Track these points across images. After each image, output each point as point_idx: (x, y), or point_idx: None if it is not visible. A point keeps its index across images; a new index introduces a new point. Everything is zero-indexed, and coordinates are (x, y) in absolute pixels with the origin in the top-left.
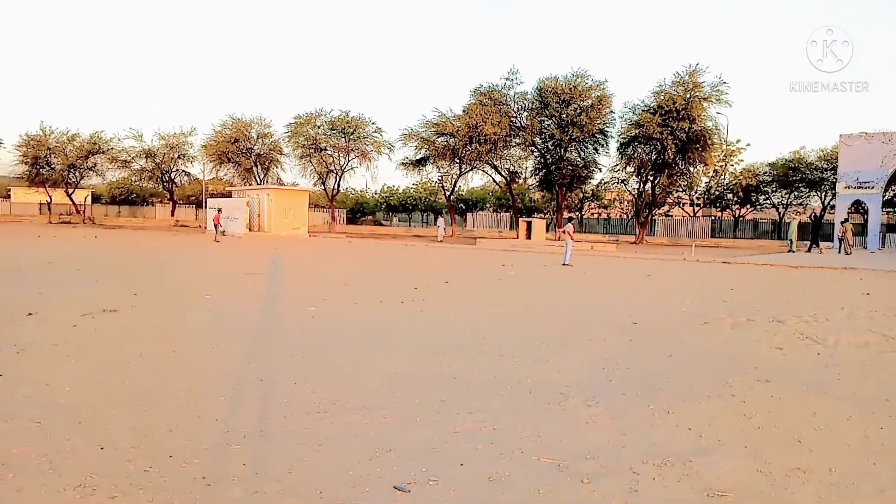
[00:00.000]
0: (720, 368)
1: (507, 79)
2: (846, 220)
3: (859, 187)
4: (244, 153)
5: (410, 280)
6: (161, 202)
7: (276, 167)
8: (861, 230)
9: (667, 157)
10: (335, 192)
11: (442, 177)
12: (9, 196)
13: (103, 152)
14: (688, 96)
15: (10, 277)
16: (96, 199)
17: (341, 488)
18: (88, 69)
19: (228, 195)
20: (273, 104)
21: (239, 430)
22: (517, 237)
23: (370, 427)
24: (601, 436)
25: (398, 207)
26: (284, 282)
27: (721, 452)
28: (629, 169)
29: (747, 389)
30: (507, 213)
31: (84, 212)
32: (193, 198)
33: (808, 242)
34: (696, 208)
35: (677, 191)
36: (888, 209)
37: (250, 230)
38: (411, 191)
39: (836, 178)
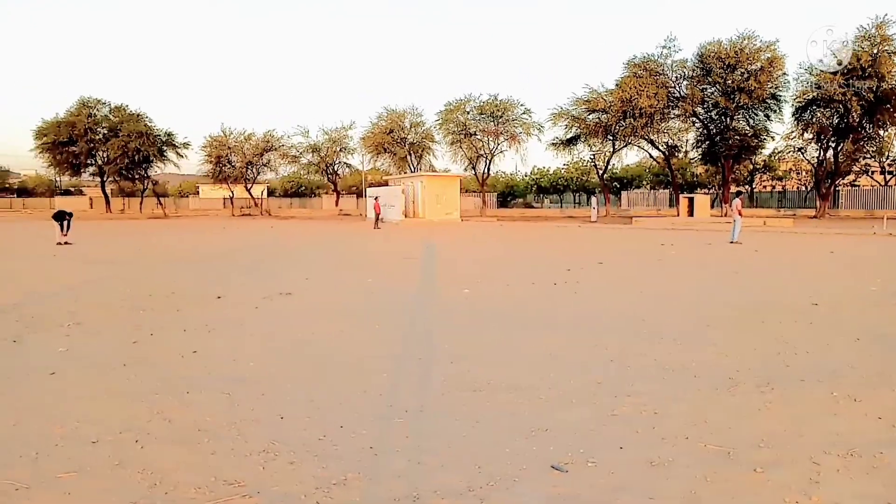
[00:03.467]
0: None
1: (663, 47)
2: None
3: None
4: (398, 143)
5: (563, 262)
6: (326, 193)
7: (429, 154)
8: None
9: (851, 120)
10: (485, 176)
11: (594, 155)
12: (198, 193)
13: (275, 149)
14: (874, 51)
15: (202, 265)
16: (271, 192)
17: (498, 464)
18: (261, 71)
19: (385, 184)
20: (425, 93)
21: (401, 405)
22: (678, 215)
23: (525, 406)
24: (776, 423)
25: (549, 189)
26: (438, 265)
27: None
28: (807, 135)
29: None
30: (666, 190)
31: (261, 205)
32: (354, 188)
33: None
34: (889, 176)
35: (864, 157)
36: None
37: (406, 217)
38: (562, 171)
39: None
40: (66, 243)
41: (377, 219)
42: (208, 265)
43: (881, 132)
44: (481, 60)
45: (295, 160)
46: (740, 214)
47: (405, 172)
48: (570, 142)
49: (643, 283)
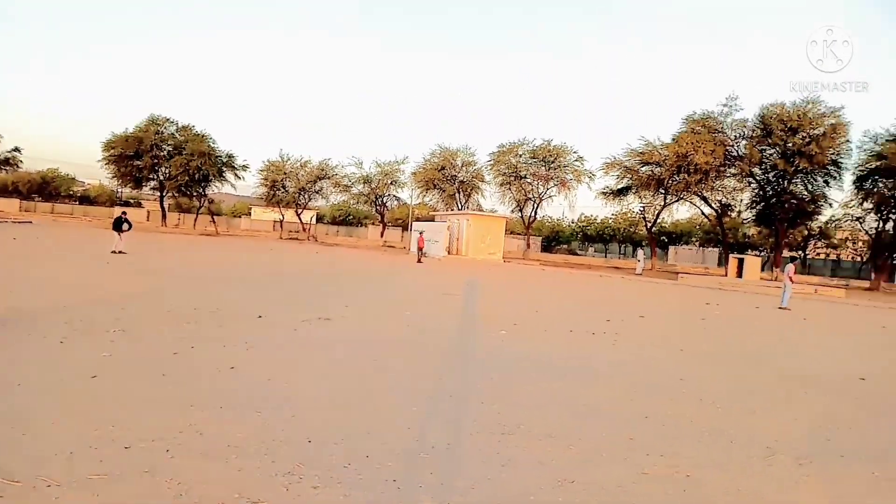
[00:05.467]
0: None
1: (724, 105)
2: None
3: None
4: (449, 180)
5: (603, 312)
6: (373, 224)
7: (477, 194)
8: None
9: None
10: (532, 219)
11: (644, 207)
12: (249, 214)
13: (329, 177)
14: None
15: (245, 285)
16: (320, 219)
17: None
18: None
19: (431, 219)
20: (479, 133)
21: (428, 441)
22: (726, 275)
23: (554, 455)
24: (812, 499)
25: (595, 237)
26: (478, 304)
27: None
28: (867, 205)
29: None
30: (716, 249)
31: (309, 230)
32: (400, 220)
33: None
34: None
35: None
36: None
37: (449, 253)
38: (610, 221)
39: None
40: (120, 252)
41: (420, 253)
42: (253, 284)
43: None
44: (537, 104)
45: (346, 189)
46: (791, 280)
47: (452, 209)
48: (621, 192)
49: (684, 342)
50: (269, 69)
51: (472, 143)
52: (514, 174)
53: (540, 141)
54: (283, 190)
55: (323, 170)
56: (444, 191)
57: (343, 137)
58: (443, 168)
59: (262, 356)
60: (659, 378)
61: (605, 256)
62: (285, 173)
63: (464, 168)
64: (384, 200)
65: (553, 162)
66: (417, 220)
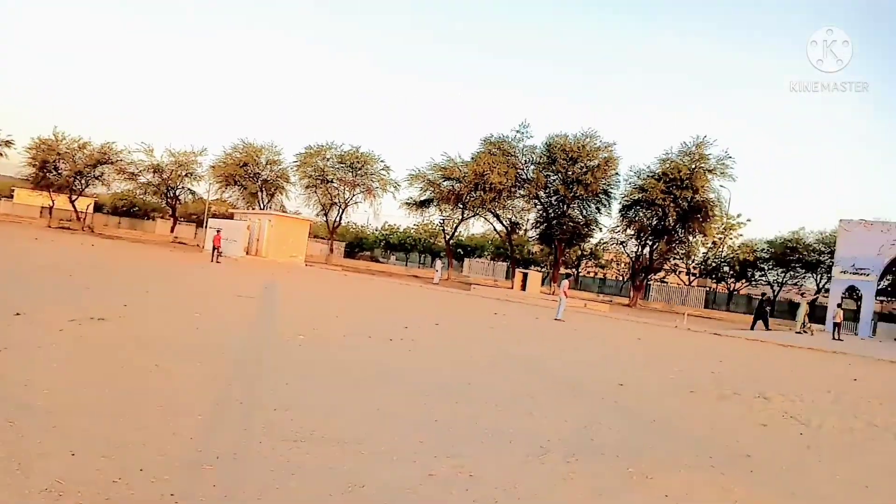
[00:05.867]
0: (702, 438)
1: (517, 131)
2: (840, 304)
3: (855, 273)
4: (251, 177)
5: (402, 319)
6: (162, 217)
7: (281, 194)
8: (853, 316)
9: (667, 223)
10: (336, 224)
11: (444, 220)
12: (11, 196)
13: (112, 163)
14: (693, 166)
15: (2, 279)
16: (98, 208)
17: None
18: (105, 80)
19: (230, 217)
20: (285, 133)
21: (213, 451)
22: (512, 287)
23: (345, 461)
24: (577, 494)
25: (397, 246)
26: (276, 308)
27: None
28: (629, 231)
29: (727, 462)
30: (505, 263)
31: (84, 219)
32: (195, 216)
33: (756, 320)
34: (692, 277)
35: (675, 258)
36: (881, 298)
37: (248, 253)
38: (412, 231)
39: (833, 262)
40: None
41: (216, 252)
42: (12, 279)
43: (690, 237)
44: (347, 110)
45: (132, 178)
46: (566, 295)
47: (254, 208)
48: (423, 204)
49: (474, 349)
50: (48, 36)
51: (278, 141)
52: (320, 177)
53: (349, 146)
54: (55, 172)
55: (105, 153)
56: (245, 188)
57: (133, 121)
58: (245, 164)
59: (18, 359)
60: (449, 383)
61: (406, 265)
62: (59, 154)
63: (268, 166)
64: (177, 193)
65: (360, 169)
66: (214, 216)
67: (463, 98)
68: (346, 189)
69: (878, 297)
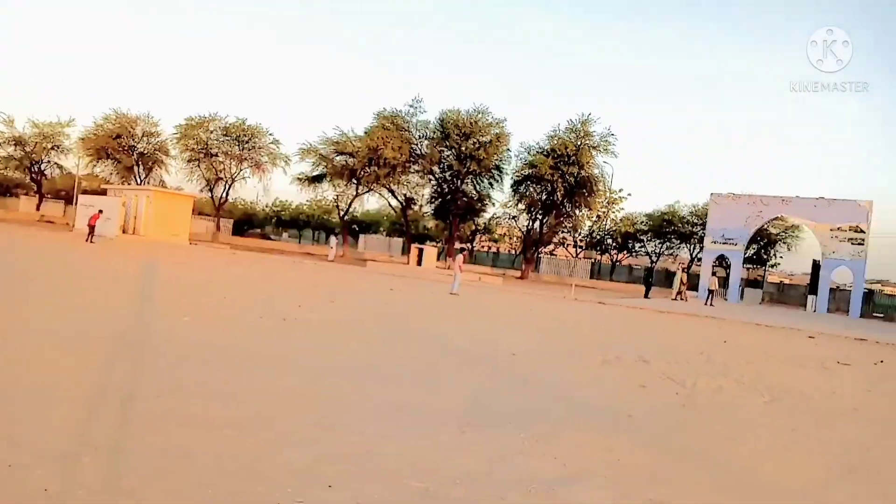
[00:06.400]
0: (590, 402)
1: (411, 106)
2: (714, 272)
3: (724, 243)
4: (126, 150)
5: (295, 297)
6: (27, 194)
7: (161, 169)
8: (723, 283)
9: (556, 198)
10: (223, 200)
11: (337, 196)
12: None
13: None
14: (579, 143)
15: None
16: None
17: None
18: None
19: (103, 193)
20: (165, 104)
21: (92, 442)
22: (408, 263)
23: (238, 445)
24: (472, 462)
25: (289, 223)
26: (158, 290)
27: (583, 482)
28: (520, 206)
29: (612, 423)
30: (401, 239)
31: None
32: (64, 192)
33: (648, 288)
34: (579, 250)
35: (563, 231)
36: (748, 265)
37: (124, 233)
38: (304, 207)
39: (705, 233)
40: None
41: (91, 231)
42: None
43: (577, 211)
44: (233, 81)
45: None
46: (461, 269)
47: (130, 184)
48: (316, 179)
49: (370, 325)
50: None
51: (156, 111)
52: (203, 151)
53: (234, 118)
54: None
55: None
56: (120, 162)
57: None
58: (119, 136)
59: None
60: (347, 361)
61: (299, 242)
62: None
63: (145, 138)
64: (42, 168)
65: (248, 142)
66: (85, 192)
67: (355, 71)
68: (233, 163)
69: (745, 265)
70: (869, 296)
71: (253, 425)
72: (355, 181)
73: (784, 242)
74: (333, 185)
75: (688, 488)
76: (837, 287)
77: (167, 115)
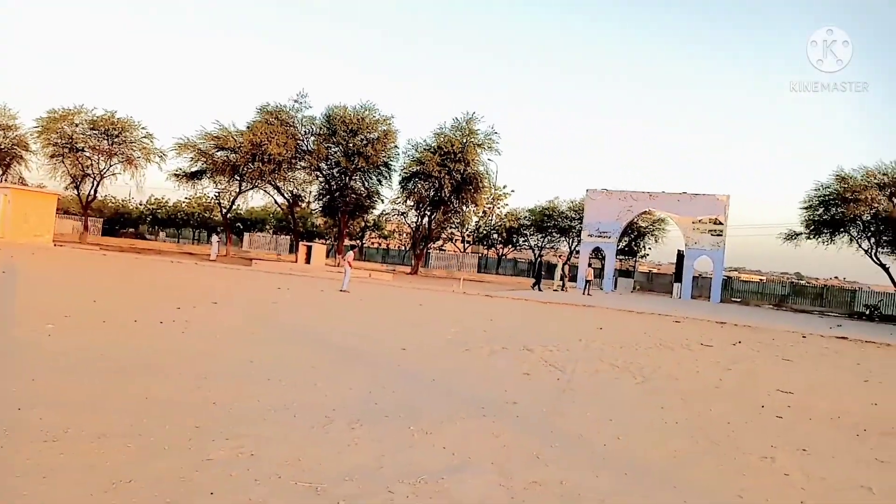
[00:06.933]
0: (476, 391)
1: (295, 101)
2: (590, 264)
3: (599, 236)
4: None
5: (174, 299)
6: None
7: (20, 165)
8: (599, 274)
9: (443, 194)
10: (91, 198)
11: (219, 193)
12: None
13: None
14: (464, 141)
15: None
16: None
17: None
18: None
19: None
20: (25, 95)
21: None
22: (296, 261)
23: (108, 457)
24: (362, 458)
25: (167, 221)
26: (17, 295)
27: (470, 469)
28: (409, 203)
29: (497, 410)
30: (288, 237)
31: None
32: None
33: (538, 280)
34: (466, 245)
35: (451, 227)
36: (620, 256)
37: None
38: (183, 205)
39: (582, 227)
40: None
41: None
42: None
43: (464, 207)
44: (99, 71)
45: None
46: (350, 266)
47: None
48: (195, 175)
49: (255, 326)
50: None
51: (14, 103)
52: (68, 145)
53: (102, 111)
54: None
55: None
56: None
57: None
58: None
59: None
60: (229, 364)
61: (178, 241)
62: None
63: (1, 132)
64: None
65: (118, 136)
66: None
67: (235, 64)
68: (101, 159)
69: (618, 256)
70: (727, 282)
71: (122, 434)
72: (238, 177)
73: (652, 235)
74: (214, 182)
75: (566, 468)
76: (699, 275)
77: (28, 107)
